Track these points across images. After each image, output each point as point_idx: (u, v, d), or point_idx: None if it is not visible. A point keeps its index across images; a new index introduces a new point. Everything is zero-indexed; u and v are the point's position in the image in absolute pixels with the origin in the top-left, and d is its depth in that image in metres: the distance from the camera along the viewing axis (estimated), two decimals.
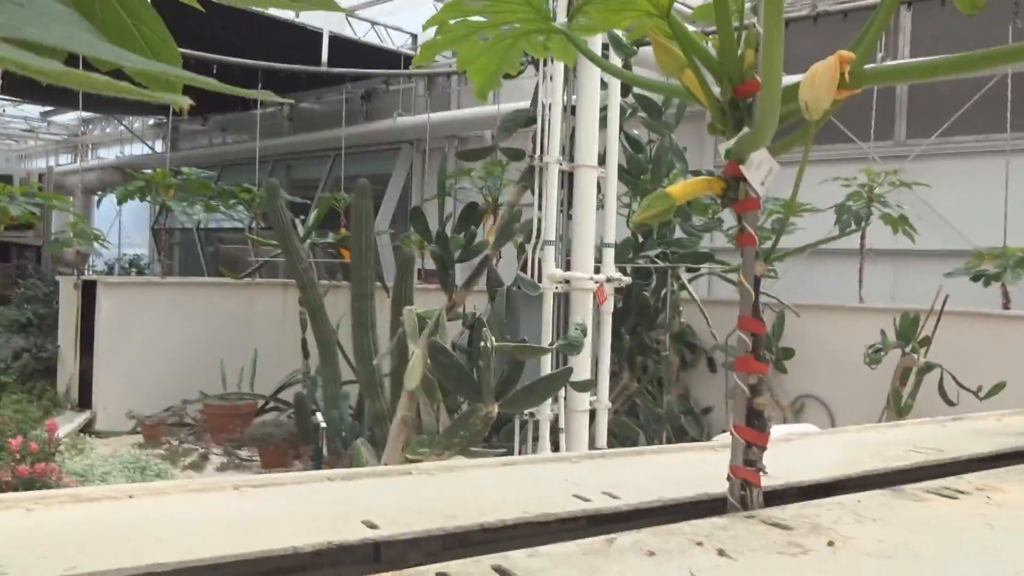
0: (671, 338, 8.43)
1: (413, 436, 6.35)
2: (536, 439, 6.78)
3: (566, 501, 1.60)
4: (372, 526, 1.41)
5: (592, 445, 7.04)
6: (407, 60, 14.14)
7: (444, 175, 7.81)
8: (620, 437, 8.07)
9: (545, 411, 6.61)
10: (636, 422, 8.52)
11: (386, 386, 8.19)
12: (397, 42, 14.35)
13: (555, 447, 6.82)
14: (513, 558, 1.24)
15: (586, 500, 1.62)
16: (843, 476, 1.90)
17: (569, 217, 6.99)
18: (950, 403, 7.36)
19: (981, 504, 1.63)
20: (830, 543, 1.35)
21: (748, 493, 1.55)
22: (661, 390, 8.48)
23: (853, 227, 8.09)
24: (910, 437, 2.39)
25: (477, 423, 5.59)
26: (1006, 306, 7.97)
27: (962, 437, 2.41)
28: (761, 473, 1.56)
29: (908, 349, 7.70)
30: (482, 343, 5.31)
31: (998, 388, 7.17)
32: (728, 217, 9.34)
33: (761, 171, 1.63)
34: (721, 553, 1.29)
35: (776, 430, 4.53)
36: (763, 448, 1.58)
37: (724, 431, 8.85)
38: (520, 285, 6.71)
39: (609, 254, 7.01)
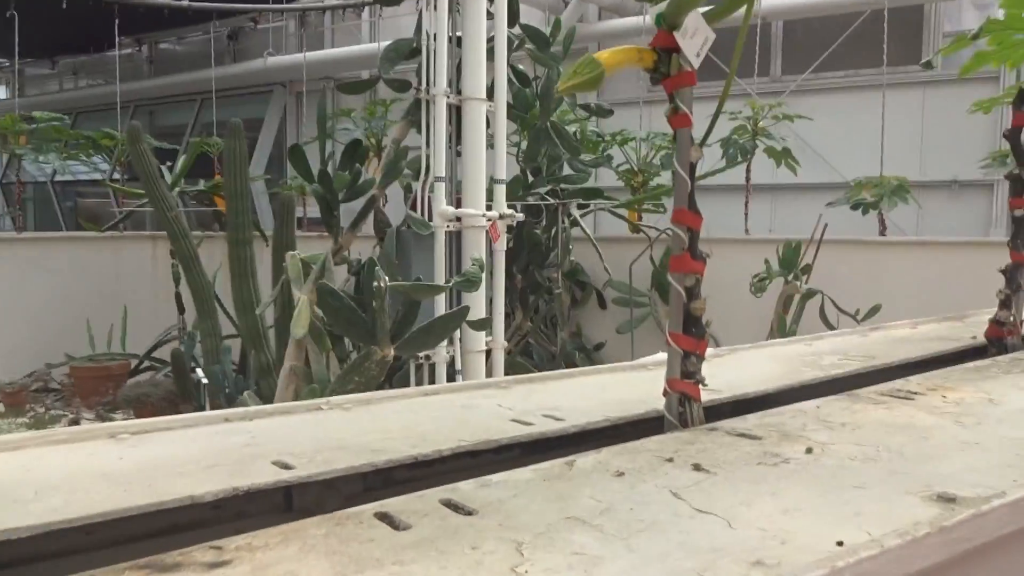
0: (563, 276, 8.36)
1: (303, 386, 6.04)
2: (433, 382, 6.59)
3: (504, 427, 1.42)
4: (286, 466, 1.18)
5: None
6: None
7: (324, 110, 7.36)
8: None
9: (441, 353, 6.42)
10: (530, 362, 8.45)
11: (270, 337, 7.80)
12: None
13: None
14: (463, 490, 1.04)
15: (527, 424, 1.44)
16: (789, 385, 1.79)
17: (458, 153, 6.72)
18: (830, 327, 7.61)
19: (939, 403, 1.55)
20: (808, 450, 1.22)
21: (687, 409, 1.41)
22: (555, 329, 8.43)
23: (740, 160, 8.18)
24: (837, 347, 2.32)
25: (372, 368, 5.34)
26: (883, 233, 8.29)
27: (886, 345, 2.36)
28: (700, 386, 1.42)
29: (790, 277, 7.90)
30: (375, 283, 5.04)
31: (875, 311, 7.46)
32: (617, 154, 9.31)
33: (696, 40, 1.45)
34: (697, 468, 1.14)
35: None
36: (701, 358, 1.44)
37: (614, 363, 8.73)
38: (410, 224, 6.43)
39: (501, 191, 6.80)
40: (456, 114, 6.60)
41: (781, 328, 7.63)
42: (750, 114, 8.24)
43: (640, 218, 9.24)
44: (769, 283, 7.87)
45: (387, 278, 5.17)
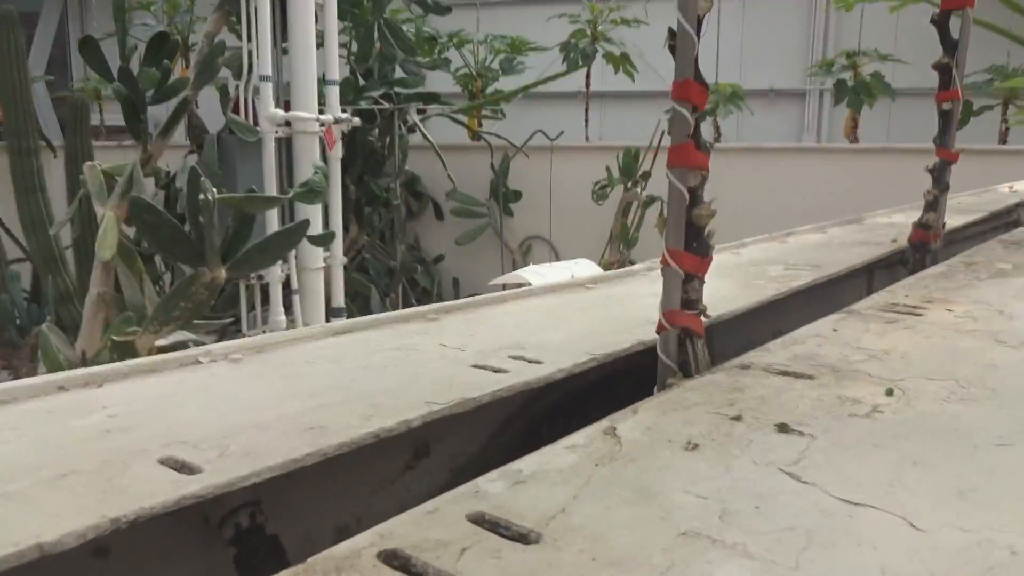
0: (401, 186, 7.89)
1: (114, 314, 5.31)
2: (266, 305, 6.03)
3: (471, 377, 1.05)
4: (184, 467, 0.76)
5: (329, 306, 6.44)
6: None
7: None
8: (350, 295, 7.52)
9: (275, 272, 5.85)
10: (366, 277, 8.00)
11: (69, 260, 6.85)
12: None
13: (288, 311, 6.13)
14: (494, 495, 0.68)
15: (498, 371, 1.08)
16: (759, 302, 1.54)
17: (284, 51, 6.01)
18: None
19: (954, 319, 1.34)
20: (889, 392, 0.95)
21: (691, 350, 1.10)
22: (394, 242, 7.99)
23: (580, 64, 7.93)
24: (769, 256, 2.11)
25: (201, 291, 4.71)
26: (717, 139, 8.40)
27: (814, 251, 2.18)
28: (703, 317, 1.11)
29: (630, 184, 7.87)
30: (200, 196, 4.38)
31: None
32: (455, 56, 8.79)
33: None
34: (783, 428, 0.83)
35: (560, 267, 4.13)
36: (703, 281, 1.14)
37: (455, 278, 8.60)
38: (233, 130, 5.71)
39: (333, 93, 6.18)
40: (281, 6, 5.87)
41: (624, 236, 7.62)
42: (589, 17, 7.97)
43: (480, 125, 8.86)
44: (611, 191, 7.80)
45: (215, 190, 4.53)
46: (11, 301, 7.18)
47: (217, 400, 0.99)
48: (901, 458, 0.77)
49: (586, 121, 8.66)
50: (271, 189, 5.73)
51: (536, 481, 0.72)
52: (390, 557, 0.60)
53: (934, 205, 2.06)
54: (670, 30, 1.15)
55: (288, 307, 6.10)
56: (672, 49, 1.15)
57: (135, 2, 9.10)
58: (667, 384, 1.08)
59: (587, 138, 8.74)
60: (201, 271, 4.69)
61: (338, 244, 6.39)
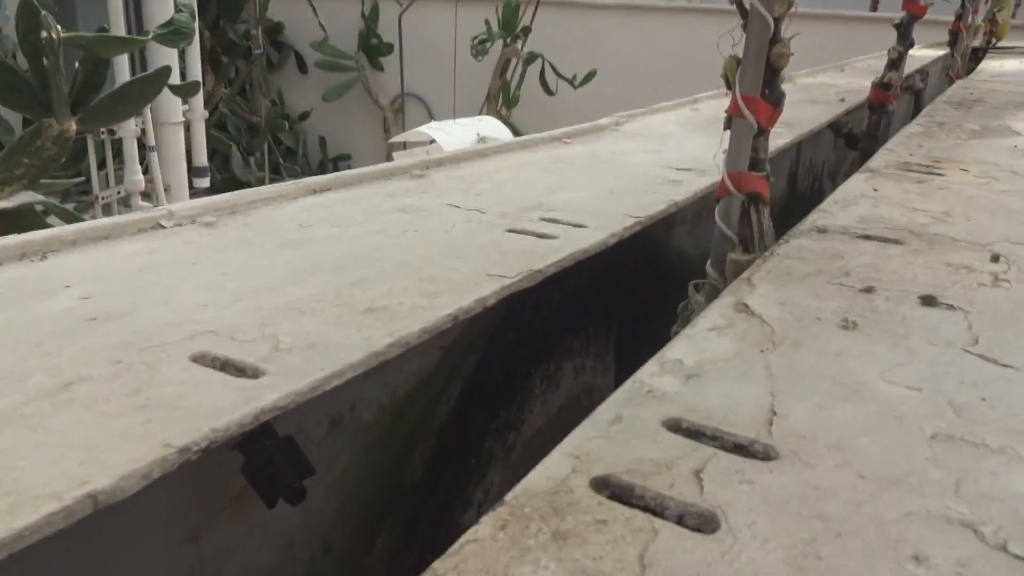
0: (262, 34, 7.21)
1: None
2: (120, 162, 5.46)
3: (514, 243, 0.89)
4: (231, 368, 0.57)
5: (191, 165, 5.91)
6: None
7: None
8: (208, 153, 6.95)
9: (130, 127, 5.27)
10: (227, 136, 7.40)
11: None
12: None
13: (145, 170, 5.58)
14: (674, 395, 0.54)
15: (543, 236, 0.92)
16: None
17: None
18: (549, 92, 7.49)
19: (977, 179, 1.28)
20: (994, 258, 0.86)
21: (756, 217, 0.98)
22: (256, 97, 7.37)
23: None
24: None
25: (48, 146, 4.17)
26: None
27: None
28: (769, 179, 0.99)
29: (510, 40, 7.54)
30: (43, 34, 3.78)
31: (590, 76, 7.43)
32: None
33: None
34: (930, 302, 0.73)
35: (461, 128, 3.87)
36: (767, 136, 1.01)
37: (321, 137, 8.11)
38: None
39: None
40: None
41: (505, 94, 7.36)
42: None
43: None
44: (490, 46, 7.45)
45: (60, 28, 3.93)
46: None
47: (218, 276, 0.77)
48: None
49: None
50: (119, 31, 5.07)
51: (710, 375, 0.58)
52: (602, 486, 0.45)
53: (897, 63, 1.99)
54: None
55: (145, 167, 5.55)
56: None
57: None
58: (725, 259, 0.95)
59: None
60: (47, 123, 4.13)
61: (198, 96, 5.81)
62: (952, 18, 3.20)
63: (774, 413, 0.53)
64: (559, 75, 7.54)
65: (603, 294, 0.96)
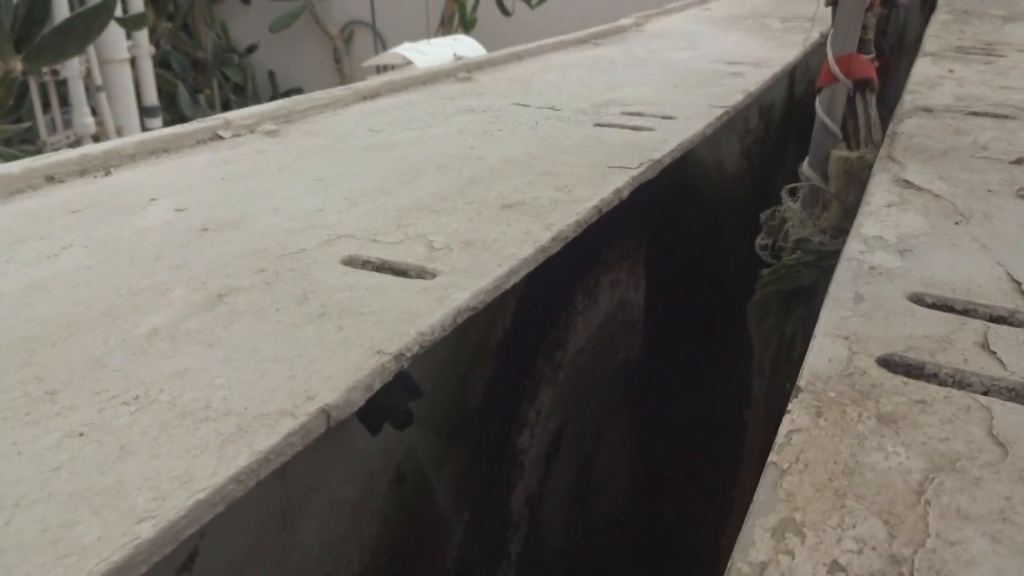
0: None
1: None
2: (65, 104, 5.18)
3: (614, 136, 0.82)
4: (389, 268, 0.51)
5: (140, 105, 5.65)
6: None
7: None
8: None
9: (74, 66, 4.98)
10: (172, 73, 7.07)
11: None
12: None
13: (93, 112, 5.30)
14: (899, 270, 0.49)
15: (638, 129, 0.86)
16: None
17: None
18: (506, 13, 7.28)
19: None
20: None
21: (864, 106, 0.92)
22: (199, 31, 7.04)
23: None
24: (734, 10, 1.93)
25: None
26: None
27: (773, 3, 2.02)
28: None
29: None
30: None
31: None
32: None
33: None
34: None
35: (436, 48, 3.73)
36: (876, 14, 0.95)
37: (270, 71, 7.81)
38: None
39: None
40: None
41: (463, 16, 7.12)
42: None
43: None
44: None
45: None
46: None
47: (315, 181, 0.69)
48: None
49: None
50: None
51: (922, 249, 0.53)
52: (893, 365, 0.40)
53: None
54: None
55: (92, 109, 5.27)
56: None
57: None
58: (827, 157, 0.89)
59: None
60: None
61: (143, 32, 5.51)
62: None
63: (1018, 283, 0.48)
64: None
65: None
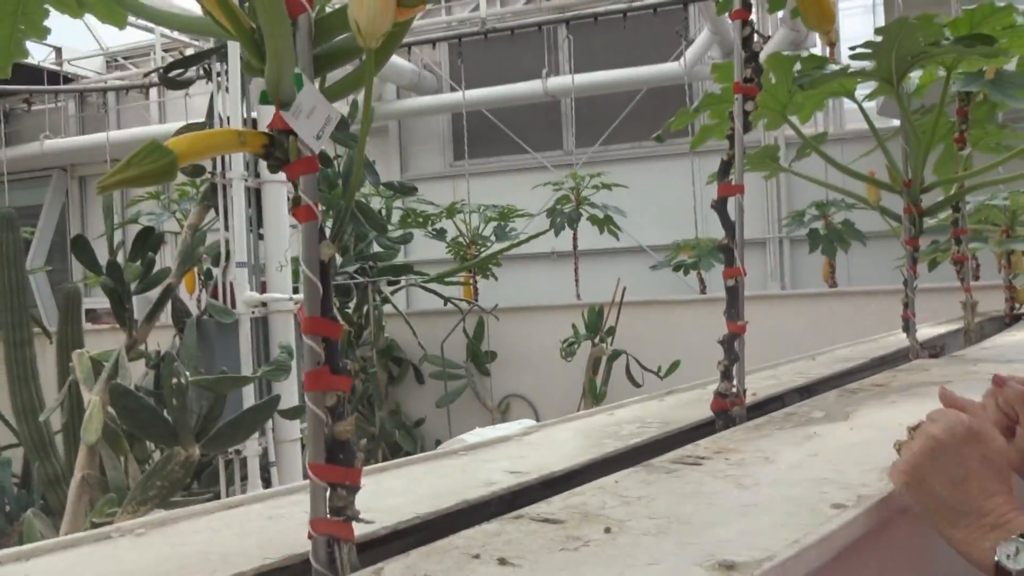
0: (378, 354, 8.29)
1: (98, 496, 5.58)
2: (244, 478, 6.26)
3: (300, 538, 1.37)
4: None
5: (306, 476, 6.66)
6: (52, 75, 12.56)
7: (110, 197, 6.96)
8: None
9: (252, 446, 6.13)
10: None
11: (58, 444, 7.13)
12: (39, 56, 12.71)
13: (266, 484, 6.36)
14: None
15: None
16: (592, 460, 1.87)
17: (260, 236, 6.57)
18: (636, 384, 8.01)
19: (724, 466, 1.67)
20: (607, 530, 1.27)
21: (337, 550, 1.19)
22: (372, 408, 8.31)
23: (564, 227, 8.65)
24: (636, 415, 2.45)
25: (176, 470, 5.02)
26: (703, 291, 8.92)
27: (679, 408, 2.52)
28: (354, 522, 1.08)
29: (596, 340, 8.27)
30: (173, 380, 4.77)
31: (674, 367, 7.92)
32: (450, 225, 9.43)
33: (315, 121, 1.05)
34: (503, 562, 1.16)
35: (501, 429, 4.51)
36: (354, 489, 1.23)
37: (436, 440, 8.76)
38: (211, 313, 6.17)
39: None
40: (256, 197, 6.48)
41: (592, 390, 7.93)
42: (572, 185, 8.77)
43: (476, 292, 9.43)
44: (578, 347, 8.18)
45: (187, 373, 4.92)
46: (1, 487, 7.40)
47: (111, 569, 1.31)
48: None
49: (576, 280, 9.25)
50: (248, 367, 6.10)
51: None
52: None
53: (728, 374, 2.25)
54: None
55: (267, 480, 6.33)
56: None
57: (144, 193, 9.82)
58: None
59: (578, 296, 9.26)
60: (176, 450, 5.02)
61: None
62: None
63: None
64: (644, 368, 8.10)
65: None
